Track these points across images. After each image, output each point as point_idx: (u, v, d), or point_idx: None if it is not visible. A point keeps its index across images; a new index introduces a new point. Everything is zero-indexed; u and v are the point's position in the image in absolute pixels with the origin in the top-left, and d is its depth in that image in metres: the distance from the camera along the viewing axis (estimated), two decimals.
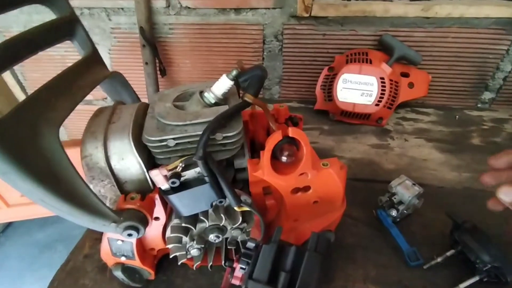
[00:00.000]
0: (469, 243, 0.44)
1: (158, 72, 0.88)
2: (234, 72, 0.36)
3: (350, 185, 0.63)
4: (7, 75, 1.00)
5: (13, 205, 0.50)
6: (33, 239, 2.01)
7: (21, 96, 1.05)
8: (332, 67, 0.80)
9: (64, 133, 1.15)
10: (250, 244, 0.36)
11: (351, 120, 0.79)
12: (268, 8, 0.78)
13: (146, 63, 0.84)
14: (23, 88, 1.04)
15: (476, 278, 0.43)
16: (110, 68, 0.97)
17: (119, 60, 0.92)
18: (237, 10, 0.79)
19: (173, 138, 0.34)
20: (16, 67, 0.99)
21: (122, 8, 0.82)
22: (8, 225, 2.08)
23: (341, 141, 0.75)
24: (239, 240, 0.43)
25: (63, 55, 0.93)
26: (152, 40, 0.83)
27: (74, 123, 1.06)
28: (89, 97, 1.04)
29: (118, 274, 0.40)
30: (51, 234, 2.02)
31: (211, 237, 0.40)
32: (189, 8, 0.80)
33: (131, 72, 0.93)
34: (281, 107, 0.49)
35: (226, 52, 0.87)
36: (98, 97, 1.03)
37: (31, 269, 1.85)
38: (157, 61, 0.87)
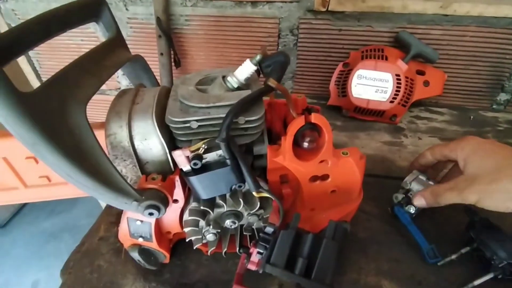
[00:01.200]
0: (486, 240, 0.44)
1: (173, 63, 0.89)
2: (258, 57, 0.36)
3: (363, 180, 0.63)
4: (23, 62, 1.02)
5: (31, 186, 0.51)
6: (40, 228, 2.04)
7: (36, 83, 1.07)
8: (347, 63, 0.79)
9: None
10: (269, 229, 0.36)
11: (364, 116, 0.79)
12: (285, 2, 0.78)
13: (161, 54, 0.85)
14: (38, 76, 1.05)
15: (491, 275, 0.43)
16: None
17: (135, 50, 0.91)
18: (254, 3, 0.79)
19: (196, 120, 0.34)
20: (32, 55, 1.01)
21: None
22: (16, 213, 2.11)
23: (354, 137, 0.75)
24: (254, 227, 0.43)
25: (78, 44, 0.94)
26: (168, 31, 0.83)
27: (87, 111, 1.07)
28: (102, 86, 1.04)
29: (135, 255, 0.41)
30: (58, 223, 2.04)
31: (227, 222, 0.41)
32: None
33: None
34: (299, 97, 0.49)
35: (240, 45, 0.87)
36: (112, 87, 1.03)
37: (37, 257, 1.88)
38: (172, 52, 0.87)
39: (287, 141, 0.34)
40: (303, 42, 0.84)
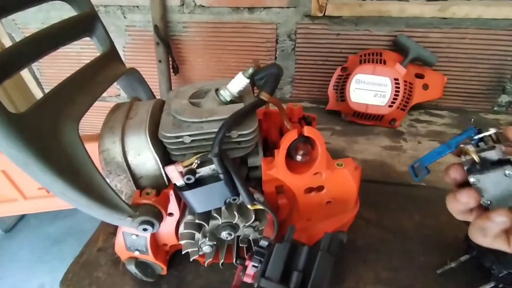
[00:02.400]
0: (485, 249, 0.44)
1: (171, 70, 0.89)
2: (251, 70, 0.36)
3: (361, 186, 0.62)
4: (24, 71, 1.03)
5: (30, 198, 0.51)
6: (45, 232, 2.05)
7: (37, 91, 1.08)
8: (345, 67, 0.79)
9: None
10: (263, 243, 0.36)
11: (363, 121, 0.79)
12: (282, 7, 0.77)
13: (160, 61, 0.85)
14: (39, 84, 1.06)
15: (491, 285, 0.42)
16: None
17: (133, 58, 0.94)
18: (251, 9, 0.79)
19: (189, 135, 0.34)
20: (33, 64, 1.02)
21: (137, 6, 0.83)
22: (21, 218, 2.13)
23: (353, 142, 0.74)
24: (251, 238, 0.43)
25: (78, 52, 0.95)
26: (166, 38, 0.84)
27: (87, 119, 1.08)
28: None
29: (132, 268, 0.41)
30: (62, 227, 2.06)
31: (223, 234, 0.41)
32: (203, 6, 0.80)
33: (145, 70, 0.94)
34: (295, 106, 0.49)
35: (239, 51, 0.87)
36: (112, 94, 1.04)
37: (42, 261, 1.90)
38: (170, 59, 0.87)
39: (279, 155, 0.34)
40: (301, 47, 0.83)
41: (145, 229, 0.33)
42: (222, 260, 0.43)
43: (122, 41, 0.90)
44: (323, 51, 0.83)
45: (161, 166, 0.35)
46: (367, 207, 0.58)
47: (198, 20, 0.83)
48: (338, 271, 0.47)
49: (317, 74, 0.87)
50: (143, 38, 0.89)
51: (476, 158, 0.31)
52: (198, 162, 0.34)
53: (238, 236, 0.43)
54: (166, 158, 0.37)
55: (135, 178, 0.36)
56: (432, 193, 0.61)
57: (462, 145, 0.33)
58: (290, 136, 0.34)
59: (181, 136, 0.34)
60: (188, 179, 0.34)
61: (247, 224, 0.40)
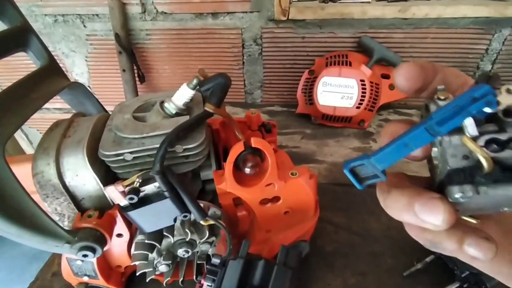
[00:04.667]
0: None
1: (137, 79, 0.87)
2: (195, 81, 0.35)
3: (331, 190, 0.62)
4: None
5: None
6: (22, 250, 1.96)
7: None
8: (312, 70, 0.79)
9: None
10: (215, 261, 0.34)
11: (332, 123, 0.78)
12: (246, 12, 0.76)
13: (124, 70, 0.82)
14: None
15: (456, 285, 0.42)
16: (87, 76, 0.94)
17: (97, 67, 0.90)
18: (214, 15, 0.77)
19: (130, 152, 0.32)
20: None
21: (97, 15, 0.80)
22: None
23: (323, 145, 0.74)
24: (210, 253, 0.41)
25: None
26: (128, 47, 0.81)
27: None
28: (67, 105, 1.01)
29: None
30: None
31: (180, 252, 0.39)
32: (165, 13, 0.78)
33: (110, 79, 0.91)
34: (253, 114, 0.47)
35: (205, 57, 0.86)
36: None
37: (21, 280, 1.81)
38: (135, 67, 0.85)
39: (227, 169, 0.33)
40: (267, 51, 0.83)
41: (85, 255, 0.31)
42: (182, 278, 0.42)
43: (83, 51, 0.87)
44: (290, 55, 0.82)
45: (101, 186, 0.33)
46: (336, 211, 0.57)
47: (161, 27, 0.81)
48: (305, 280, 0.46)
49: (286, 77, 0.87)
50: (106, 47, 0.86)
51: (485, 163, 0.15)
52: (140, 180, 0.32)
53: (198, 252, 0.42)
54: (111, 177, 0.35)
55: (76, 200, 0.34)
56: None
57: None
58: (236, 149, 0.33)
59: (121, 154, 0.32)
60: (131, 198, 0.32)
61: (202, 241, 0.38)
